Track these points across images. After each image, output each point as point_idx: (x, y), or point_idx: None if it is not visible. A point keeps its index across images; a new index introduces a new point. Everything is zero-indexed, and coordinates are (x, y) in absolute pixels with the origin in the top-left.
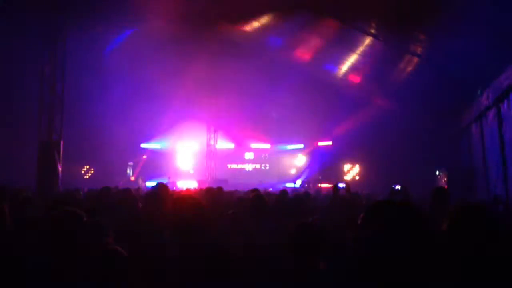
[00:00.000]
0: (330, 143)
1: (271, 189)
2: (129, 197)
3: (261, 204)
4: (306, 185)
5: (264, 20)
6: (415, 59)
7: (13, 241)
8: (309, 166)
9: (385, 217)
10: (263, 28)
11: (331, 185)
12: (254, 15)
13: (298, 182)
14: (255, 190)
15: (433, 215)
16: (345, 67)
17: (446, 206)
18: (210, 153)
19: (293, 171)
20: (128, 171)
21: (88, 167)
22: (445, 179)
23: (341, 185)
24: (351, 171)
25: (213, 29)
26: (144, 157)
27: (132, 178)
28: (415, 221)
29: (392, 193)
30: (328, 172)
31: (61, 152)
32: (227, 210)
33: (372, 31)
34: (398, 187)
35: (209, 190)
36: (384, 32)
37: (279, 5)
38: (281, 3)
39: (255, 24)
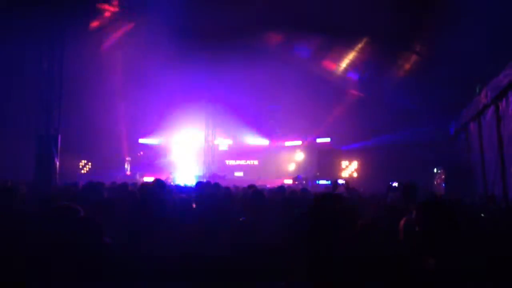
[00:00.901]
0: (328, 140)
1: (268, 186)
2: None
3: (260, 200)
4: (304, 182)
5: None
6: (415, 57)
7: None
8: (307, 162)
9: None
10: (262, 25)
11: (329, 182)
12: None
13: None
14: (252, 186)
15: (405, 209)
16: (344, 64)
17: (415, 201)
18: (208, 149)
19: (291, 168)
20: (126, 166)
21: (85, 161)
22: (443, 177)
23: (340, 181)
24: (349, 168)
25: (212, 27)
26: (141, 153)
27: (128, 173)
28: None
29: (390, 190)
30: (326, 169)
31: (59, 146)
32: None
33: (372, 29)
34: (395, 184)
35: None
36: (384, 30)
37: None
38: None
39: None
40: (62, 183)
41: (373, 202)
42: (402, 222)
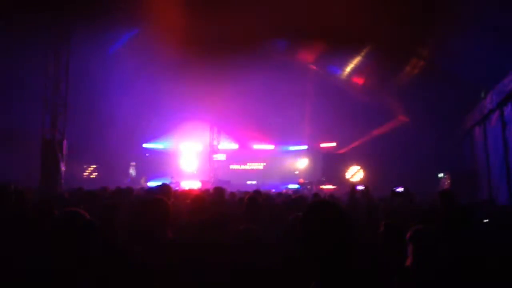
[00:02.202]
0: (334, 144)
1: (273, 190)
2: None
3: (255, 206)
4: (309, 187)
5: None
6: (420, 62)
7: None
8: (312, 167)
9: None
10: (267, 32)
11: (334, 187)
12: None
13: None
14: (256, 192)
15: (442, 216)
16: (349, 69)
17: (454, 206)
18: (213, 154)
19: (296, 172)
20: (130, 171)
21: (91, 166)
22: (448, 181)
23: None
24: (355, 173)
25: (215, 32)
26: (147, 154)
27: (129, 179)
28: (340, 218)
29: (394, 195)
30: (331, 173)
31: (64, 152)
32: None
33: (377, 34)
34: (399, 189)
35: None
36: (389, 35)
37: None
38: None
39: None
40: (67, 188)
41: (380, 206)
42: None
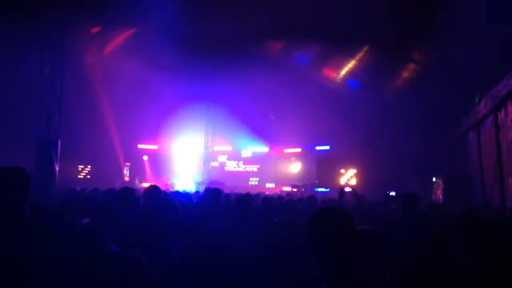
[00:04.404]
0: (327, 147)
1: (267, 193)
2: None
3: (245, 208)
4: (303, 189)
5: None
6: (414, 66)
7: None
8: (306, 170)
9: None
10: (262, 33)
11: (328, 190)
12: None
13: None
14: (247, 195)
15: (405, 218)
16: (343, 72)
17: (416, 209)
18: (208, 155)
19: (290, 175)
20: (125, 171)
21: (85, 166)
22: (442, 186)
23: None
24: (349, 176)
25: (213, 34)
26: (145, 157)
27: (127, 179)
28: (347, 225)
29: (387, 199)
30: (325, 176)
31: (59, 151)
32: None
33: (371, 38)
34: (392, 193)
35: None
36: (383, 39)
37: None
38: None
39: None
40: (61, 188)
41: (373, 210)
42: None
